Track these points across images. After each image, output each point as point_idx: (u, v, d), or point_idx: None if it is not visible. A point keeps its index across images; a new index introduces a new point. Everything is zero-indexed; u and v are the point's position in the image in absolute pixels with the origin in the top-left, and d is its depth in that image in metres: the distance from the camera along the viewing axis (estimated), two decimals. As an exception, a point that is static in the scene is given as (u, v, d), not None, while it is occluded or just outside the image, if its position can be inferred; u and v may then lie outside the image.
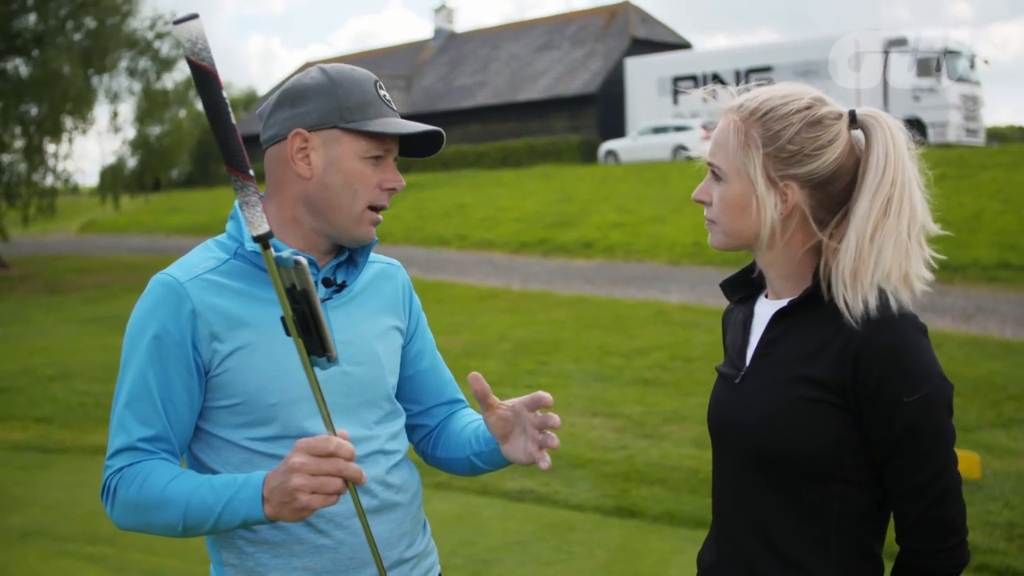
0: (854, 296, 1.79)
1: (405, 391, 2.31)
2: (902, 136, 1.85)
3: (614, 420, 8.86)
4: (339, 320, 2.09)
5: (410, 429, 2.35)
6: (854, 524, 1.86)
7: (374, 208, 2.07)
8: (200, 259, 2.05)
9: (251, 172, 1.67)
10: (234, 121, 1.64)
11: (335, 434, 1.75)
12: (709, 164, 1.95)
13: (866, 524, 1.87)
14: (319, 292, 2.07)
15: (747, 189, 1.88)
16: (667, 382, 10.20)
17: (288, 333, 1.68)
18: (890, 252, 1.79)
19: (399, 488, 2.14)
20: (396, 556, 2.11)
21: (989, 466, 6.90)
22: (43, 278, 23.43)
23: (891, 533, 1.90)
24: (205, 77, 1.61)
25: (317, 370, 1.94)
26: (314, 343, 1.68)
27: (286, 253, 1.66)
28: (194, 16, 1.59)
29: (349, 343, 2.08)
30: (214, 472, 2.02)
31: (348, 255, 2.15)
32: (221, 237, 2.10)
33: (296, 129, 2.03)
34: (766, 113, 1.87)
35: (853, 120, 1.88)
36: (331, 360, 1.69)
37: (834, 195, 1.87)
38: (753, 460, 1.91)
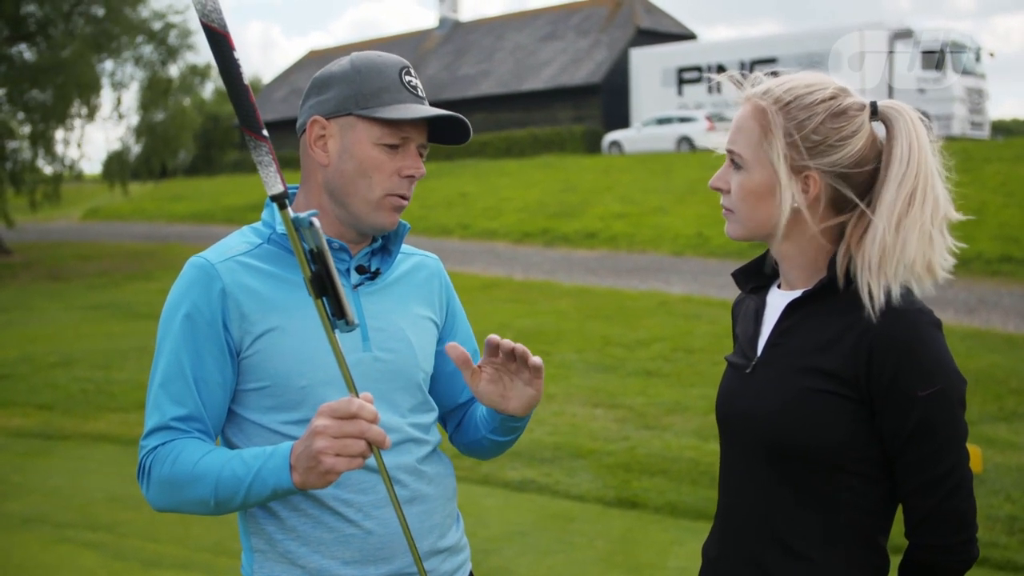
0: (878, 285, 1.78)
1: (439, 388, 2.29)
2: (923, 128, 1.85)
3: (616, 411, 8.85)
4: (372, 307, 2.09)
5: (442, 422, 2.35)
6: (862, 517, 1.85)
7: (393, 195, 2.05)
8: (234, 243, 2.08)
9: (265, 132, 1.68)
10: (247, 82, 1.66)
11: (357, 396, 1.74)
12: (728, 151, 1.93)
13: (874, 517, 1.86)
14: (352, 279, 2.08)
15: (768, 178, 1.86)
16: (669, 373, 10.19)
17: (310, 294, 1.69)
18: (915, 242, 1.79)
19: (431, 479, 2.13)
20: (428, 546, 2.10)
21: (990, 460, 6.89)
22: (46, 265, 23.41)
23: (898, 527, 1.88)
24: (217, 39, 1.64)
25: (350, 354, 1.93)
26: (333, 305, 1.69)
27: (303, 214, 1.66)
28: None
29: (382, 330, 2.09)
30: None
31: (382, 243, 2.15)
32: (256, 224, 2.13)
33: (314, 116, 2.04)
34: (791, 101, 1.85)
35: (874, 112, 1.87)
36: (349, 323, 1.69)
37: (854, 186, 1.85)
38: (763, 451, 1.89)
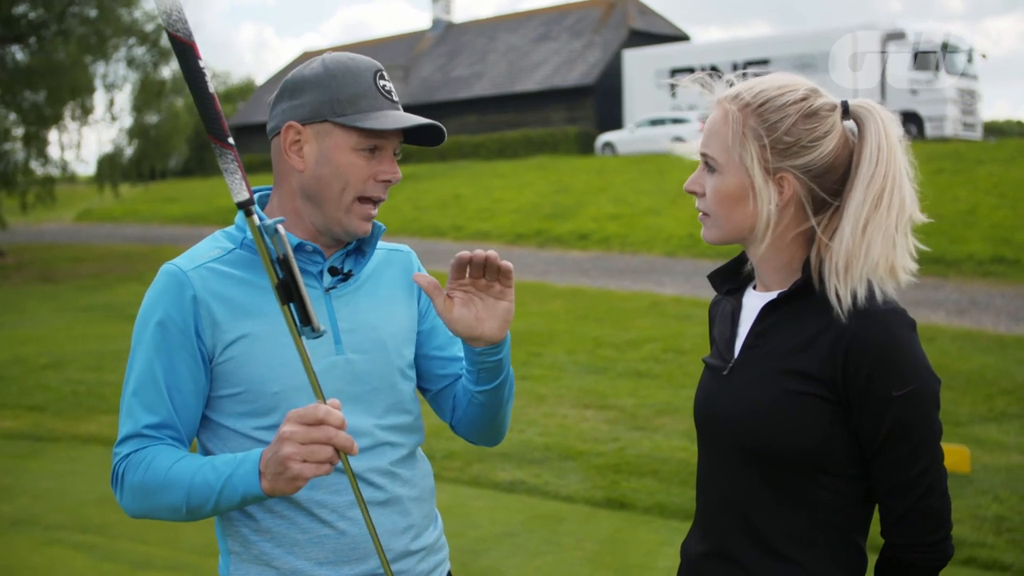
0: (844, 288, 1.78)
1: (424, 369, 2.27)
2: (894, 127, 1.85)
3: (606, 412, 8.86)
4: (344, 309, 2.09)
5: (442, 404, 2.30)
6: (840, 517, 1.86)
7: (367, 199, 2.05)
8: (206, 249, 2.08)
9: (231, 140, 1.71)
10: (212, 90, 1.69)
11: (324, 402, 1.75)
12: (702, 155, 1.93)
13: (852, 517, 1.87)
14: (325, 281, 2.08)
15: (743, 181, 1.86)
16: (660, 374, 10.20)
17: (278, 300, 1.71)
18: (879, 245, 1.79)
19: (405, 480, 2.13)
20: (402, 547, 2.10)
21: (979, 460, 6.91)
22: (38, 266, 23.38)
23: (875, 526, 1.89)
24: (182, 48, 1.67)
25: (323, 358, 1.94)
26: (299, 311, 1.71)
27: (269, 221, 1.69)
28: None
29: (353, 331, 2.08)
30: None
31: (356, 244, 2.15)
32: (229, 228, 2.12)
33: (289, 122, 2.03)
34: (763, 104, 1.85)
35: (846, 111, 1.87)
36: (315, 330, 1.71)
37: (828, 186, 1.86)
38: (741, 452, 1.90)
